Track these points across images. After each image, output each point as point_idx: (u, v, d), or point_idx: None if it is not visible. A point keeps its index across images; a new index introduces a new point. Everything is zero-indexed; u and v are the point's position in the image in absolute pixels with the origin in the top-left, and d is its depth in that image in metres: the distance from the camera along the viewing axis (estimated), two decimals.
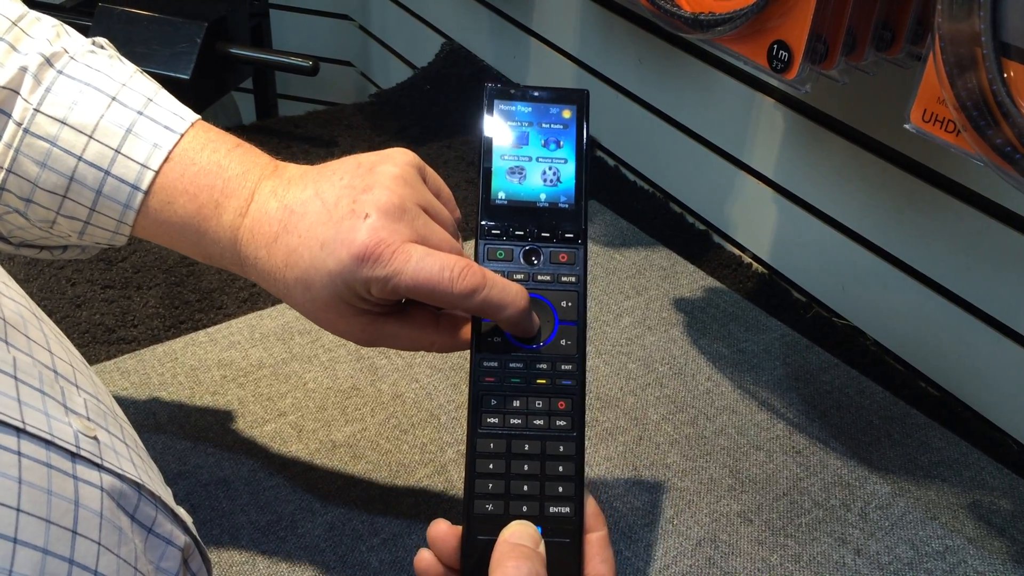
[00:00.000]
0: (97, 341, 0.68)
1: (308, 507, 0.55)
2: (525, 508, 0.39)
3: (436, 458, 0.59)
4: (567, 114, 0.43)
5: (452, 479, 0.58)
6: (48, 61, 0.46)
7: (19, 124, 0.44)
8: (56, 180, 0.44)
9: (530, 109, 0.43)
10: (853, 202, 0.71)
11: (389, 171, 0.43)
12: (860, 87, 0.63)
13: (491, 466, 0.39)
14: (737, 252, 0.82)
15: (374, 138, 0.99)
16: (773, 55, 0.52)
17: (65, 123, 0.44)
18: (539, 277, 0.41)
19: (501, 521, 0.39)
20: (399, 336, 0.45)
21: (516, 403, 0.40)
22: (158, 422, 0.60)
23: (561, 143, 0.43)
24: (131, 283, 0.73)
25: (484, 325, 0.40)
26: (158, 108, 0.46)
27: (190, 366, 0.65)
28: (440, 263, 0.40)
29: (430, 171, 0.47)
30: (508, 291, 0.41)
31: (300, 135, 0.98)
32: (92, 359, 0.66)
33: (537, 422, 0.40)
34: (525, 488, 0.39)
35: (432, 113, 1.04)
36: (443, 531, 0.39)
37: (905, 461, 0.61)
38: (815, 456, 0.61)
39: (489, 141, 0.42)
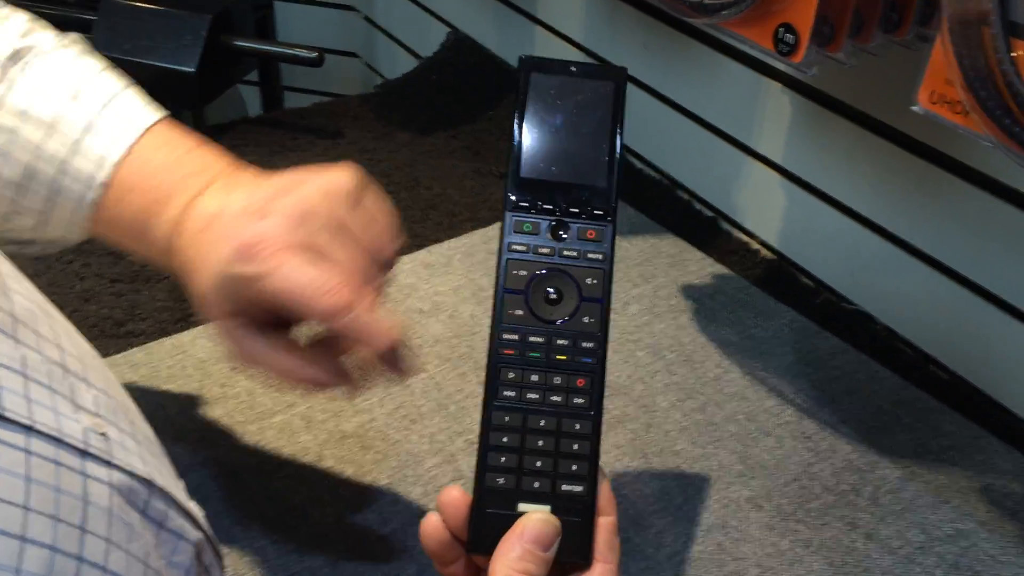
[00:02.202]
0: (106, 335, 0.68)
1: (318, 498, 0.56)
2: (537, 484, 0.38)
3: (445, 447, 0.59)
4: (604, 90, 0.42)
5: (461, 468, 0.58)
6: (16, 55, 0.46)
7: None
8: (14, 172, 0.45)
9: (566, 83, 0.42)
10: (862, 186, 0.71)
11: (315, 182, 0.43)
12: (867, 70, 0.62)
13: (505, 439, 0.39)
14: (745, 238, 0.82)
15: (379, 129, 0.99)
16: (779, 38, 0.52)
17: (27, 116, 0.44)
18: (565, 252, 0.41)
19: (512, 496, 0.38)
20: (277, 361, 0.44)
21: (534, 377, 0.39)
22: (168, 415, 0.61)
23: (596, 119, 0.42)
24: (139, 276, 0.74)
25: (507, 297, 0.40)
26: (122, 105, 0.46)
27: (199, 359, 0.65)
28: (314, 276, 0.40)
29: (372, 196, 0.46)
30: (376, 325, 0.41)
31: (306, 127, 0.98)
32: (101, 353, 0.66)
33: (555, 398, 0.39)
34: (538, 464, 0.39)
35: (438, 103, 1.04)
36: (455, 498, 0.39)
37: (916, 445, 0.61)
38: (825, 441, 0.61)
39: (522, 112, 0.42)
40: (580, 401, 0.39)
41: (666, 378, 0.66)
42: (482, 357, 0.67)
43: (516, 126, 0.42)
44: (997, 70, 0.42)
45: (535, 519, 0.37)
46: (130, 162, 0.45)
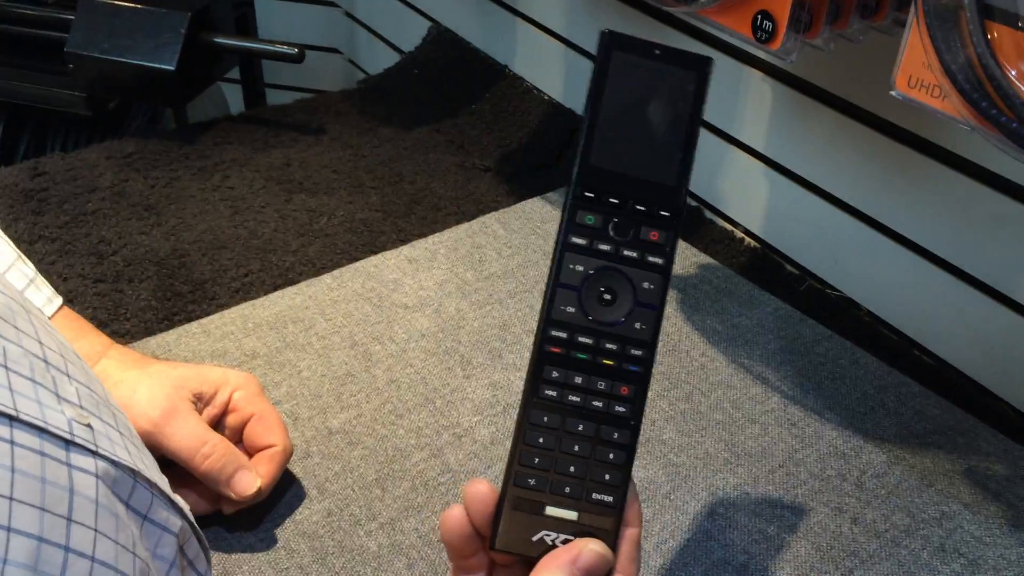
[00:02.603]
0: None
1: (305, 494, 0.56)
2: (568, 489, 0.38)
3: (432, 442, 0.59)
4: (687, 80, 0.39)
5: (448, 462, 0.58)
6: None
7: None
8: None
9: (649, 67, 0.39)
10: (843, 173, 0.71)
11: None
12: (846, 56, 0.62)
13: (541, 439, 0.38)
14: (729, 227, 0.82)
15: (362, 124, 0.99)
16: (757, 25, 0.52)
17: None
18: (625, 252, 0.38)
19: (541, 497, 0.38)
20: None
21: (578, 379, 0.38)
22: None
23: (675, 111, 0.39)
24: (123, 276, 0.73)
25: (559, 291, 0.38)
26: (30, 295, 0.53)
27: (184, 358, 0.65)
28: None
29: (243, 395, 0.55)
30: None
31: (288, 123, 0.98)
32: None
33: (596, 403, 0.38)
34: (572, 469, 0.38)
35: (420, 98, 1.04)
36: (483, 492, 0.38)
37: (900, 429, 0.61)
38: (810, 427, 0.61)
39: (599, 93, 0.38)
40: (622, 410, 0.38)
41: None
42: (468, 351, 0.67)
43: (590, 108, 0.38)
44: (973, 53, 0.42)
45: (592, 550, 0.37)
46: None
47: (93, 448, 0.34)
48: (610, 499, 0.38)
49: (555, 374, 0.38)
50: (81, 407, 0.35)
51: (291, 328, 0.68)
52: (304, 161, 0.90)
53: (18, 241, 0.76)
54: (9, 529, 0.28)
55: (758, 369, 0.66)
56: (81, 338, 0.55)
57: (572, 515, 0.38)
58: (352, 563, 0.52)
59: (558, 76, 0.97)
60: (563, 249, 0.38)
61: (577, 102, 0.96)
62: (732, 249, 0.80)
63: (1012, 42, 0.41)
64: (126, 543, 0.33)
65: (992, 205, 0.61)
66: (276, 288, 0.73)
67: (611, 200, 0.38)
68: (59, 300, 0.55)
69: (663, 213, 0.39)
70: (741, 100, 0.77)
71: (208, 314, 0.70)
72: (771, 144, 0.76)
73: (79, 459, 0.33)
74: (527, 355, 0.67)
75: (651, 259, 0.38)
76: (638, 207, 0.38)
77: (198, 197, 0.83)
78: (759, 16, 0.51)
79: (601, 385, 0.38)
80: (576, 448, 0.38)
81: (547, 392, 0.38)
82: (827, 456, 0.59)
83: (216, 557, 0.52)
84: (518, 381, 0.64)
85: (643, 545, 0.53)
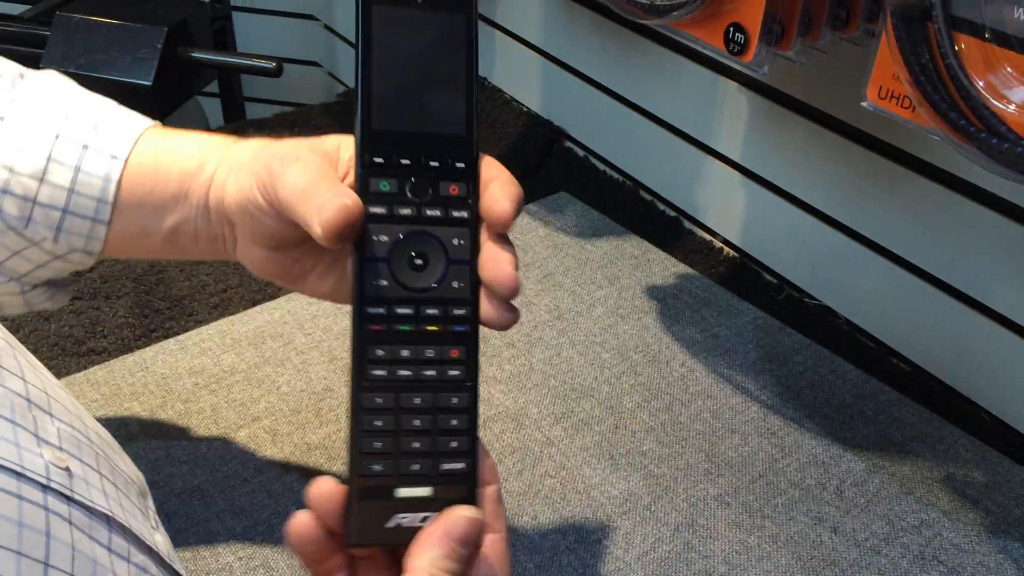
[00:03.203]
0: (67, 353, 0.67)
1: (285, 511, 0.55)
2: (417, 466, 0.36)
3: None
4: (455, 24, 0.38)
5: None
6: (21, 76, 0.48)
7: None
8: (35, 164, 0.45)
9: (413, 17, 0.37)
10: (819, 182, 0.71)
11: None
12: (819, 67, 0.63)
13: (378, 423, 0.36)
14: (708, 237, 0.83)
15: None
16: (730, 38, 0.52)
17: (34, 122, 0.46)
18: (427, 212, 0.37)
19: (391, 481, 0.36)
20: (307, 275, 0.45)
21: (405, 352, 0.36)
22: (130, 433, 0.60)
23: (449, 59, 0.37)
24: (99, 293, 0.73)
25: (368, 267, 0.36)
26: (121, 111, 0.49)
27: (161, 375, 0.65)
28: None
29: None
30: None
31: (268, 137, 0.98)
32: (62, 372, 0.65)
33: (428, 372, 0.36)
34: (416, 445, 0.36)
35: None
36: (327, 490, 0.36)
37: (879, 438, 0.61)
38: (790, 437, 0.61)
39: (367, 54, 0.37)
40: (455, 373, 0.37)
41: (632, 379, 0.66)
42: None
43: (361, 70, 0.37)
44: (942, 64, 0.42)
45: (463, 516, 0.35)
46: (141, 149, 0.46)
47: (68, 494, 0.33)
48: (462, 465, 0.36)
49: (380, 352, 0.36)
50: (61, 448, 0.35)
51: (269, 344, 0.68)
52: None
53: None
54: None
55: (738, 379, 0.66)
56: (200, 138, 0.48)
57: (426, 491, 0.36)
58: None
59: (537, 88, 0.98)
60: (364, 221, 0.36)
61: (557, 114, 0.96)
62: (711, 259, 0.80)
63: (979, 53, 0.41)
64: None
65: (965, 213, 0.61)
66: (255, 303, 0.72)
67: (402, 161, 0.37)
68: (144, 123, 0.49)
69: (459, 165, 0.37)
70: (718, 111, 0.78)
71: (186, 330, 0.69)
72: (747, 154, 0.77)
73: (55, 504, 0.32)
74: (507, 367, 0.67)
75: (455, 214, 0.37)
76: (431, 163, 0.37)
77: None
78: (731, 28, 0.52)
79: (430, 353, 0.36)
80: (416, 423, 0.36)
81: (375, 372, 0.36)
82: (807, 465, 0.59)
83: None
84: (499, 394, 0.64)
85: (624, 557, 0.53)
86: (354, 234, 0.37)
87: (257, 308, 0.71)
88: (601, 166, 0.92)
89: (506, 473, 0.58)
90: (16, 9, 1.15)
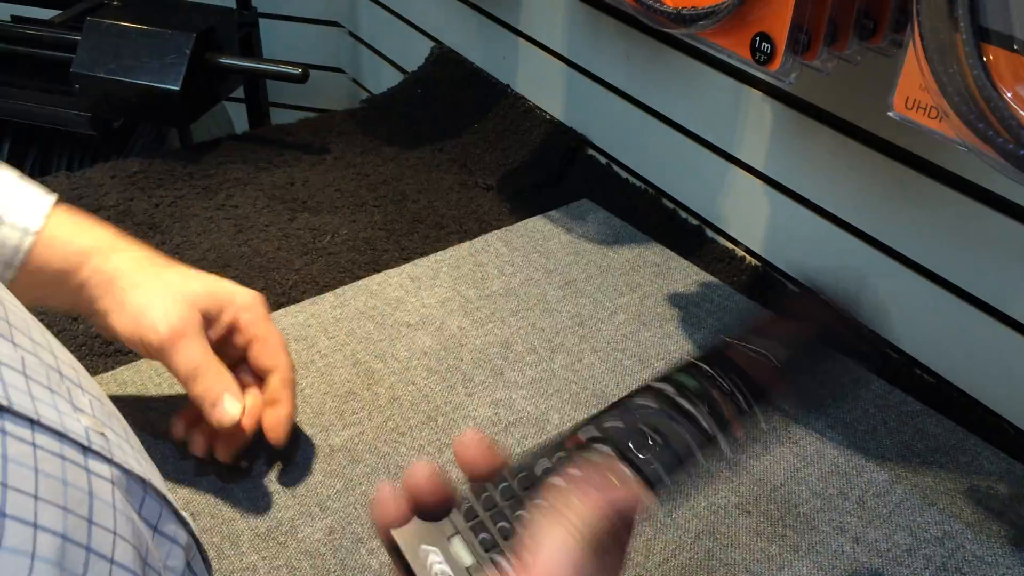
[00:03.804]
0: (94, 353, 0.68)
1: (307, 511, 0.56)
2: (478, 537, 0.35)
3: (434, 459, 0.60)
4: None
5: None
6: None
7: None
8: None
9: None
10: (843, 192, 0.71)
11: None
12: (845, 77, 0.63)
13: (505, 484, 0.36)
14: (730, 246, 0.83)
15: (366, 143, 1.00)
16: (756, 47, 0.52)
17: None
18: (707, 421, 0.37)
19: (458, 527, 0.35)
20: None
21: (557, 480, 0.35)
22: (156, 432, 0.61)
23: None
24: None
25: (613, 411, 0.37)
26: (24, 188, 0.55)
27: None
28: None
29: (246, 317, 0.57)
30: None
31: (292, 143, 0.99)
32: (90, 372, 0.66)
33: (502, 524, 0.35)
34: (488, 524, 0.35)
35: (423, 117, 1.05)
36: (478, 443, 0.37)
37: (902, 448, 0.61)
38: (812, 447, 0.61)
39: None
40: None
41: None
42: (470, 369, 0.67)
43: None
44: (969, 75, 0.42)
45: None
46: (47, 229, 0.54)
47: (108, 456, 0.34)
48: (506, 565, 0.34)
49: (556, 458, 0.36)
50: (95, 416, 0.36)
51: (294, 346, 0.68)
52: (308, 180, 0.91)
53: None
54: (36, 526, 0.29)
55: None
56: (88, 232, 0.55)
57: (468, 561, 0.34)
58: None
59: (560, 95, 0.98)
60: (648, 386, 0.37)
61: (579, 122, 0.97)
62: (733, 268, 0.80)
63: (1008, 65, 0.41)
64: (141, 549, 0.34)
65: (990, 224, 0.61)
66: (279, 306, 0.73)
67: (719, 381, 0.38)
68: (53, 196, 0.55)
69: (756, 417, 0.38)
70: (741, 119, 0.78)
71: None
72: (771, 163, 0.77)
73: (96, 465, 0.33)
74: (529, 372, 0.67)
75: (721, 426, 0.37)
76: (737, 399, 0.37)
77: (202, 216, 0.84)
78: (757, 38, 0.52)
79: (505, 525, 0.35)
80: (498, 505, 0.35)
81: (543, 461, 0.36)
82: (829, 475, 0.59)
83: (218, 575, 0.52)
84: (520, 399, 0.64)
85: (644, 563, 0.53)
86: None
87: (281, 311, 0.72)
88: (624, 174, 0.92)
89: None
90: (47, 14, 1.17)
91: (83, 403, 0.36)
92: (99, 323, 0.56)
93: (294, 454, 0.59)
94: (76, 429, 0.33)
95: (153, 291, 0.54)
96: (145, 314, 0.53)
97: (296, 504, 0.56)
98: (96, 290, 0.54)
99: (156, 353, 0.54)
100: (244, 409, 0.55)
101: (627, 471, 0.35)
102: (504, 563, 0.34)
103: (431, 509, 0.36)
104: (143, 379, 0.65)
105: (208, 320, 0.55)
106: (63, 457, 0.31)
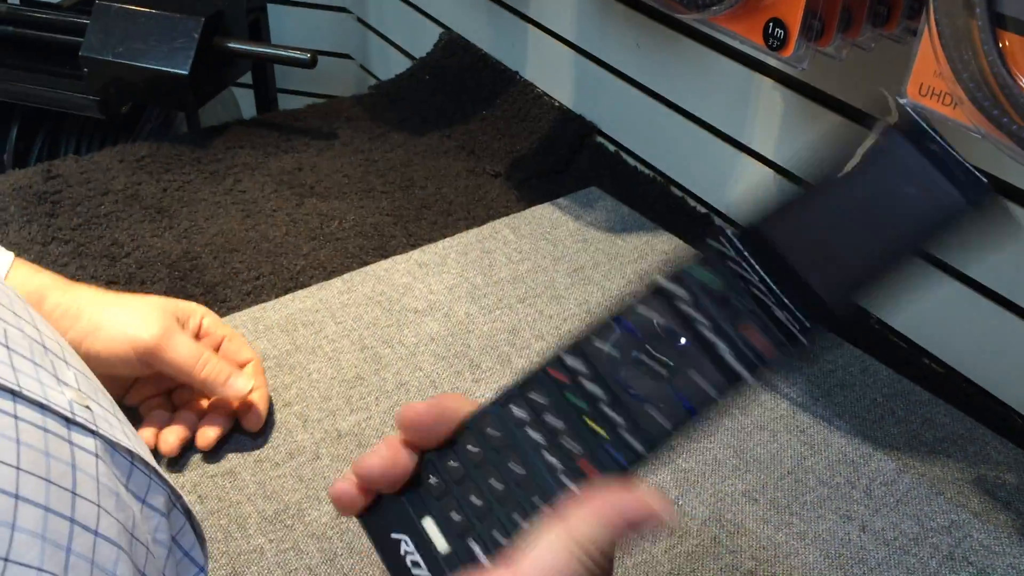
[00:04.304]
0: None
1: (314, 495, 0.56)
2: (456, 516, 0.32)
3: None
4: (941, 199, 0.31)
5: None
6: None
7: None
8: None
9: (917, 166, 0.31)
10: None
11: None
12: (857, 64, 0.63)
13: (469, 449, 0.32)
14: None
15: (374, 129, 0.99)
16: (769, 33, 0.52)
17: None
18: (719, 327, 0.30)
19: (429, 505, 0.32)
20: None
21: (552, 419, 0.31)
22: None
23: (906, 226, 0.31)
24: (135, 279, 0.74)
25: (610, 325, 0.31)
26: None
27: None
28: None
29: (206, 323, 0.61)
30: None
31: (300, 128, 0.98)
32: None
33: (548, 456, 0.31)
34: (473, 499, 0.32)
35: (431, 103, 1.04)
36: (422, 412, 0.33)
37: (909, 437, 0.61)
38: (819, 435, 0.61)
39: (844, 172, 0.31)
40: (567, 483, 0.30)
41: None
42: (477, 355, 0.67)
43: (816, 176, 0.31)
44: (984, 61, 0.42)
45: (644, 501, 0.30)
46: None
47: (93, 428, 0.34)
48: (483, 556, 0.31)
49: (537, 399, 0.32)
50: (80, 390, 0.36)
51: (301, 331, 0.68)
52: (315, 166, 0.91)
53: (31, 242, 0.76)
54: (17, 497, 0.29)
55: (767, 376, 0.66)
56: (40, 273, 0.56)
57: (442, 544, 0.31)
58: (361, 564, 0.52)
59: (569, 82, 0.98)
60: (651, 288, 0.31)
61: (588, 109, 0.96)
62: None
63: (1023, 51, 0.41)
64: (126, 523, 0.34)
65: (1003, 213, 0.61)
66: (287, 291, 0.73)
67: (744, 271, 0.31)
68: (11, 254, 0.56)
69: (791, 331, 0.30)
70: (751, 107, 0.77)
71: (219, 316, 0.70)
72: (781, 151, 0.76)
73: (80, 438, 0.33)
74: (536, 359, 0.67)
75: (736, 362, 0.30)
76: (768, 303, 0.30)
77: (210, 201, 0.84)
78: (770, 24, 0.52)
79: (568, 445, 0.31)
80: (493, 484, 0.31)
81: (515, 410, 0.32)
82: (836, 463, 0.59)
83: (225, 558, 0.52)
84: None
85: (650, 550, 0.53)
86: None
87: (289, 296, 0.72)
88: (632, 161, 0.92)
89: None
90: None
91: (68, 377, 0.36)
92: None
93: (301, 438, 0.59)
94: (60, 401, 0.33)
95: (125, 307, 0.56)
96: (129, 324, 0.55)
97: (303, 488, 0.56)
98: (62, 322, 0.54)
99: (150, 355, 0.55)
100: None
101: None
102: (478, 551, 0.31)
103: (390, 491, 0.33)
104: None
105: (181, 325, 0.58)
106: (45, 429, 0.31)
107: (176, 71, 0.90)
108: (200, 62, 0.91)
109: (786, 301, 0.30)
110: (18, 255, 0.56)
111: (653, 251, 0.79)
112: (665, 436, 0.30)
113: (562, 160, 0.93)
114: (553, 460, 0.31)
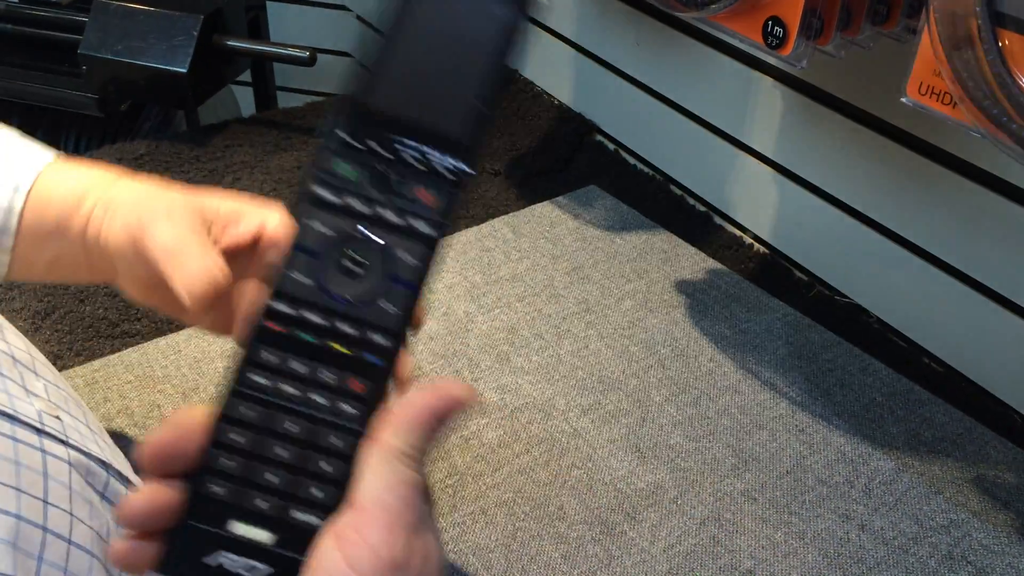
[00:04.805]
0: (101, 335, 0.68)
1: None
2: (264, 504, 0.30)
3: (438, 444, 0.60)
4: (500, 15, 0.33)
5: (456, 464, 0.58)
6: None
7: None
8: None
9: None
10: (853, 179, 0.71)
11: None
12: (857, 62, 0.63)
13: (237, 437, 0.30)
14: (738, 233, 0.82)
15: None
16: (768, 31, 0.52)
17: None
18: (384, 214, 0.31)
19: (226, 511, 0.30)
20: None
21: (297, 365, 0.30)
22: (162, 414, 0.61)
23: (480, 51, 0.32)
24: None
25: (295, 257, 0.31)
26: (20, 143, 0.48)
27: (193, 358, 0.65)
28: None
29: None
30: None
31: (299, 126, 0.98)
32: (96, 353, 0.66)
33: (316, 398, 0.30)
34: (271, 478, 0.30)
35: None
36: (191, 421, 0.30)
37: (908, 437, 0.61)
38: (818, 434, 0.61)
39: (392, 26, 0.32)
40: (349, 410, 0.30)
41: (660, 373, 0.66)
42: (476, 354, 0.67)
43: (379, 37, 0.32)
44: (984, 60, 0.42)
45: (452, 396, 0.30)
46: (41, 181, 0.47)
47: (63, 438, 0.34)
48: (316, 522, 0.30)
49: (268, 355, 0.30)
50: (49, 400, 0.36)
51: None
52: None
53: None
54: None
55: (766, 375, 0.66)
56: (87, 173, 0.48)
57: (264, 537, 0.30)
58: None
59: (568, 81, 0.97)
60: (307, 203, 0.31)
61: (588, 107, 0.96)
62: (741, 255, 0.80)
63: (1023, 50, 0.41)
64: (100, 531, 0.34)
65: (1003, 213, 0.60)
66: None
67: (373, 146, 0.31)
68: (51, 152, 0.49)
69: (443, 171, 0.31)
70: (750, 105, 0.77)
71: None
72: (780, 150, 0.76)
73: (52, 446, 0.33)
74: (535, 358, 0.67)
75: (417, 226, 0.31)
76: (410, 160, 0.31)
77: None
78: (770, 22, 0.51)
79: (328, 377, 0.30)
80: (280, 452, 0.30)
81: (254, 378, 0.30)
82: (835, 462, 0.59)
83: None
84: (526, 385, 0.64)
85: (649, 549, 0.53)
86: (220, 301, 0.36)
87: None
88: (631, 160, 0.92)
89: (532, 463, 0.58)
90: None
91: (37, 387, 0.36)
92: (102, 262, 0.46)
93: None
94: (28, 412, 0.33)
95: (151, 197, 0.45)
96: (132, 211, 0.44)
97: None
98: (95, 223, 0.45)
99: (140, 244, 0.42)
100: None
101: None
102: (308, 518, 0.29)
103: (172, 522, 0.30)
104: (149, 361, 0.65)
105: (217, 226, 0.45)
106: (15, 439, 0.31)
107: (175, 69, 0.90)
108: (199, 60, 0.91)
109: (426, 153, 0.31)
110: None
111: (652, 249, 0.79)
112: (401, 320, 0.31)
113: (561, 158, 0.93)
114: (322, 399, 0.30)
